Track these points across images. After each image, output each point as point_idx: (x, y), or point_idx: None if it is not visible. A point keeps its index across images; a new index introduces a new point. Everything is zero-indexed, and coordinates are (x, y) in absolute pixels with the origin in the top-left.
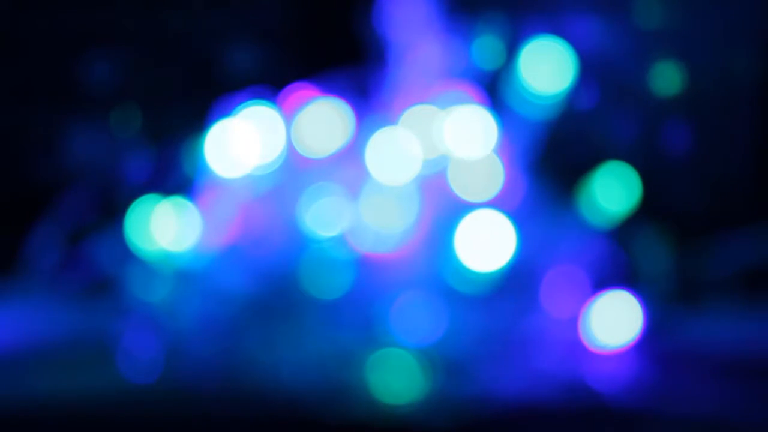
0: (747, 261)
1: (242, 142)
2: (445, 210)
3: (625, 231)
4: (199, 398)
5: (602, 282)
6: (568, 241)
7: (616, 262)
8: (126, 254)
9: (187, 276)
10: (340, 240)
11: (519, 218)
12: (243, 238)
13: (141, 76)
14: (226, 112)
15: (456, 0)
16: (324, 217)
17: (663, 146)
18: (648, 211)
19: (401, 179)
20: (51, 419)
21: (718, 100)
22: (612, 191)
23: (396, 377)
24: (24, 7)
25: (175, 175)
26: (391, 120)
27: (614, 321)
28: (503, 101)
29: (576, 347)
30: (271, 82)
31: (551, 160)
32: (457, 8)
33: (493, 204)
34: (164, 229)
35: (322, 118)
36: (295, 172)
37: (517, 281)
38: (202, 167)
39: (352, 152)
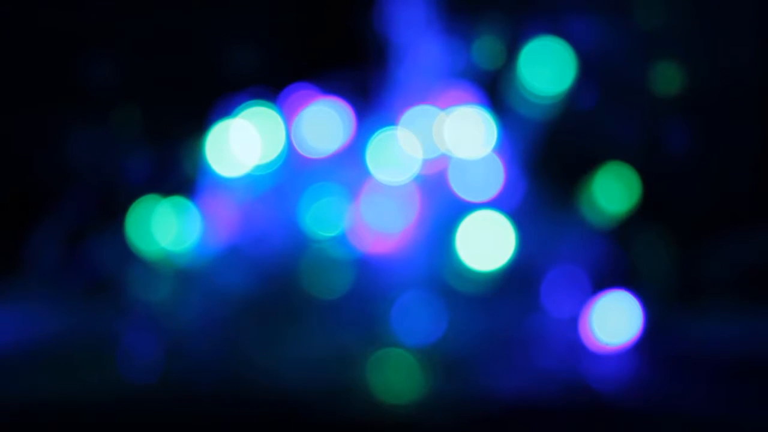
0: (748, 261)
1: (243, 142)
2: (445, 210)
3: (625, 231)
4: (200, 398)
5: (602, 282)
6: (568, 241)
7: (617, 262)
8: (126, 254)
9: (187, 276)
10: (341, 240)
11: (519, 218)
12: (243, 238)
13: (142, 77)
14: (227, 113)
15: (456, 0)
16: (324, 217)
17: (663, 146)
18: (648, 211)
19: (401, 179)
20: (51, 419)
21: (718, 100)
22: (612, 191)
23: (397, 376)
24: (24, 6)
25: (175, 175)
26: (391, 120)
27: (614, 321)
28: (503, 101)
29: (576, 347)
30: (271, 83)
31: (551, 160)
32: (456, 9)
33: (493, 204)
34: (165, 228)
35: (323, 119)
36: (295, 172)
37: (518, 281)
38: (202, 167)
39: (353, 152)
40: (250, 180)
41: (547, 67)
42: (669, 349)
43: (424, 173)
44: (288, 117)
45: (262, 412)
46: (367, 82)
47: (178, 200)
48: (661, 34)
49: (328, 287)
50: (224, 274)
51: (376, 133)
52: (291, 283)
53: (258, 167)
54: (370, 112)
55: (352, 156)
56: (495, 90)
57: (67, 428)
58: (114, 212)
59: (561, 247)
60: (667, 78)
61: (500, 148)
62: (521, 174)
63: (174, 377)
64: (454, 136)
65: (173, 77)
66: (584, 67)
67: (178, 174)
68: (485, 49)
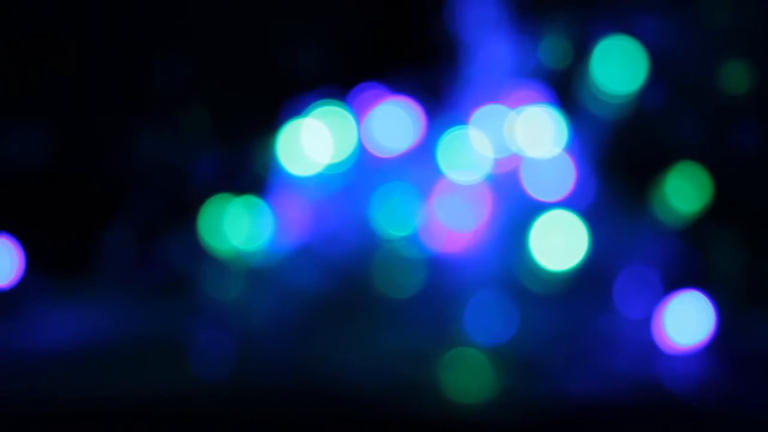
0: None
1: (314, 141)
2: (516, 209)
3: (696, 231)
4: (271, 395)
5: (674, 282)
6: (640, 241)
7: (688, 262)
8: (199, 253)
9: (259, 274)
10: (413, 239)
11: (591, 218)
12: (315, 237)
13: (213, 77)
14: (298, 112)
15: None
16: (396, 216)
17: (734, 145)
18: (719, 211)
19: (472, 178)
20: (124, 416)
21: None
22: (684, 191)
23: (468, 375)
24: (95, 9)
25: (247, 174)
26: (462, 119)
27: (687, 321)
28: (574, 100)
29: (649, 347)
30: (342, 82)
31: (622, 159)
32: (527, 7)
33: (565, 203)
34: (237, 227)
35: (393, 118)
36: (366, 171)
37: (590, 281)
38: (274, 166)
39: (424, 151)
40: (322, 179)
41: (618, 66)
42: (741, 348)
43: (495, 172)
44: (359, 116)
45: (333, 410)
46: (437, 82)
47: (250, 199)
48: (731, 32)
49: (400, 286)
50: (296, 273)
51: (446, 133)
52: (362, 281)
53: (329, 166)
54: (440, 111)
55: (423, 155)
56: (565, 89)
57: (141, 425)
58: (186, 211)
59: (633, 246)
60: (738, 76)
61: (571, 148)
62: (592, 173)
63: (246, 375)
64: (525, 135)
65: (244, 77)
66: (655, 66)
67: (250, 173)
68: (555, 48)
